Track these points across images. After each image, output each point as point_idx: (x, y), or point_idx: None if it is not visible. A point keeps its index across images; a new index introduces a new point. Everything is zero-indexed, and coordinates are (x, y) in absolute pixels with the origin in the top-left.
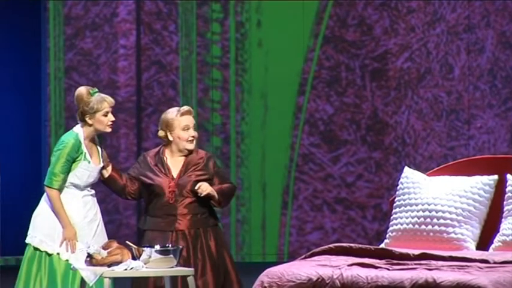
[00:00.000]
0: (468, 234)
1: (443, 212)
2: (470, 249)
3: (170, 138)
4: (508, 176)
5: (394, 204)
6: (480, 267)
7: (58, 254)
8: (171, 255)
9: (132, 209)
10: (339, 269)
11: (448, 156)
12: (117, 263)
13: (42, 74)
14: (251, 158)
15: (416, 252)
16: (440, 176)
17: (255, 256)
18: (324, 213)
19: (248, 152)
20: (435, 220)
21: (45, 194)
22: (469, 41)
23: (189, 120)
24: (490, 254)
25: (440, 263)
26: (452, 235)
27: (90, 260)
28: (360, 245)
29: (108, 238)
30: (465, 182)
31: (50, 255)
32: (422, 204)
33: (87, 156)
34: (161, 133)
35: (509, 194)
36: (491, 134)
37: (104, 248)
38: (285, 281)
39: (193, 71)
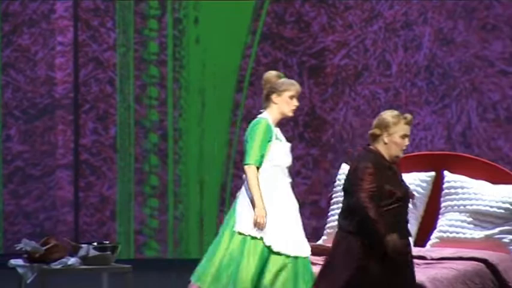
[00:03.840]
0: None
1: None
2: None
3: (386, 141)
4: (445, 172)
5: (332, 201)
6: (418, 264)
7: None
8: (109, 252)
9: (69, 206)
10: None
11: None
12: (55, 259)
13: None
14: (188, 154)
15: None
16: None
17: (193, 253)
18: None
19: (186, 149)
20: None
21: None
22: (406, 38)
23: (408, 130)
24: (427, 251)
25: None
26: None
27: (28, 256)
28: None
29: (46, 235)
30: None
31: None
32: None
33: (279, 136)
34: (377, 131)
35: (446, 190)
36: (428, 131)
37: (42, 244)
38: None
39: (131, 67)
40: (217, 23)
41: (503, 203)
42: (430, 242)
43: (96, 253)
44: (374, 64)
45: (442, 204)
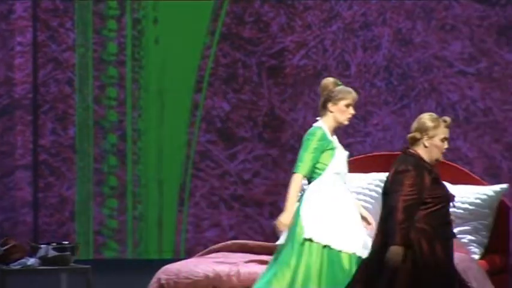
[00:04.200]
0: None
1: None
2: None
3: (426, 144)
4: None
5: None
6: None
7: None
8: (68, 253)
9: (28, 207)
10: (236, 266)
11: None
12: (15, 260)
13: None
14: (147, 155)
15: None
16: None
17: (152, 253)
18: (221, 210)
19: (145, 149)
20: None
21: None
22: (365, 39)
23: (448, 133)
24: None
25: None
26: None
27: None
28: (257, 242)
29: (5, 236)
30: (362, 179)
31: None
32: None
33: (335, 144)
34: (417, 135)
35: None
36: (387, 131)
37: (1, 245)
38: (182, 277)
39: (90, 68)
40: (177, 24)
41: (463, 203)
42: None
43: (56, 253)
44: (333, 64)
45: None
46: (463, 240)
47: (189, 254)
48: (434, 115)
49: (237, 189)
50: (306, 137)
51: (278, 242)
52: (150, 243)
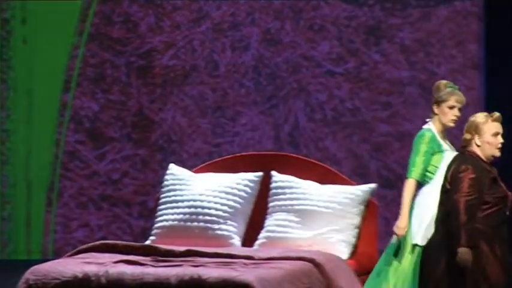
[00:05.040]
0: (233, 231)
1: (209, 208)
2: (235, 246)
3: (478, 143)
4: (273, 172)
5: (160, 201)
6: (245, 264)
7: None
8: None
9: None
10: (105, 266)
11: (214, 153)
12: None
13: None
14: (16, 155)
15: (182, 248)
16: (206, 172)
17: (20, 254)
18: (90, 210)
19: (13, 150)
20: (201, 217)
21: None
22: (233, 39)
23: (499, 127)
24: (255, 251)
25: (206, 259)
26: (218, 232)
27: None
28: (126, 242)
29: None
30: (231, 179)
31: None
32: (188, 201)
33: (446, 146)
34: (468, 136)
35: (273, 190)
36: (256, 131)
37: None
38: (50, 278)
39: None
40: (45, 24)
41: (331, 202)
42: (258, 242)
43: None
44: (202, 64)
45: (270, 205)
46: (331, 240)
47: (58, 255)
48: (484, 113)
49: (106, 189)
50: (415, 140)
51: (147, 242)
52: (18, 244)
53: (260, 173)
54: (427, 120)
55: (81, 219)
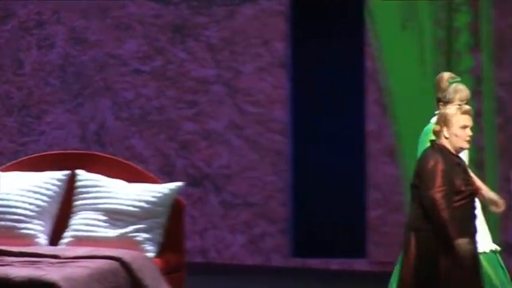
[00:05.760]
0: (40, 230)
1: (16, 207)
2: (41, 245)
3: (446, 135)
4: (78, 171)
5: None
6: (51, 263)
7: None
8: None
9: None
10: None
11: (20, 152)
12: None
13: None
14: None
15: None
16: (12, 171)
17: None
18: None
19: None
20: (7, 216)
21: None
22: (39, 37)
23: (468, 120)
24: (61, 249)
25: (12, 258)
26: (24, 230)
27: None
28: None
29: None
30: (37, 178)
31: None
32: None
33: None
34: (437, 128)
35: (79, 189)
36: (62, 130)
37: None
38: None
39: None
40: None
41: (138, 201)
42: (64, 241)
43: None
44: (7, 63)
45: (75, 203)
46: (137, 238)
47: None
48: (455, 106)
49: None
50: (422, 135)
51: None
52: None
53: (66, 172)
54: (436, 112)
55: None
